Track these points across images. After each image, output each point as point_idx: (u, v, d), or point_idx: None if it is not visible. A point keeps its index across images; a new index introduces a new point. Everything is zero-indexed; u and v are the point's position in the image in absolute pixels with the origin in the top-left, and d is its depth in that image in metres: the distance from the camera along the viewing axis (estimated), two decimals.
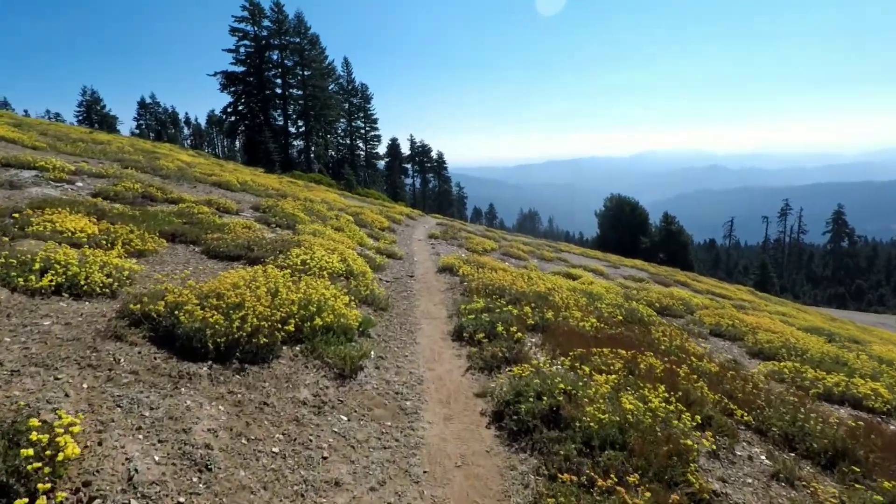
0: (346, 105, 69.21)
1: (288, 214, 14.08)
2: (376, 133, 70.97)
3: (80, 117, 78.32)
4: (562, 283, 11.96)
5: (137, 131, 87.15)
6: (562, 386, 4.62)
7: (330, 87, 65.29)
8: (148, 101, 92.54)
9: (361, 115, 69.83)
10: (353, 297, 7.39)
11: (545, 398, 4.49)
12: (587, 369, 5.41)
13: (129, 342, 4.55)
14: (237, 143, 78.29)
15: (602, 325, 8.08)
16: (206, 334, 4.56)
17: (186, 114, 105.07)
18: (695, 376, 5.82)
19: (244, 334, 4.69)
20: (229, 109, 60.20)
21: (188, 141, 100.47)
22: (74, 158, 17.04)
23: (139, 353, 4.41)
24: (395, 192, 66.56)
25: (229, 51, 58.58)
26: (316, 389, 4.71)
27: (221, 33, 59.78)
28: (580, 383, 4.81)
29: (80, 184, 12.49)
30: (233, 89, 59.59)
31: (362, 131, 70.54)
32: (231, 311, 4.88)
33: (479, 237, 25.86)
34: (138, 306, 4.88)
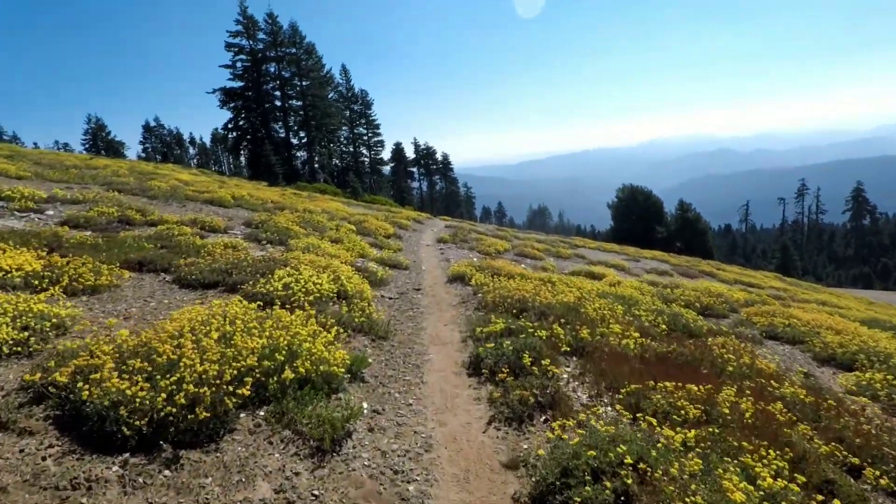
0: (347, 112, 68.21)
1: (281, 229, 12.80)
2: (379, 138, 69.93)
3: (87, 145, 78.45)
4: (588, 287, 10.49)
5: (143, 155, 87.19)
6: (628, 459, 3.20)
7: (329, 96, 64.36)
8: (152, 124, 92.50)
9: (363, 121, 68.79)
10: (343, 328, 6.04)
11: (607, 480, 3.09)
12: (652, 420, 3.98)
13: (16, 431, 3.24)
14: (242, 159, 77.82)
15: (647, 341, 6.62)
16: (121, 414, 3.23)
17: (191, 134, 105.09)
18: (792, 416, 4.36)
19: (174, 410, 3.34)
20: (230, 125, 59.52)
21: (194, 161, 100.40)
22: (57, 185, 15.98)
23: (22, 451, 3.08)
24: (401, 196, 65.41)
25: (226, 66, 57.93)
26: (281, 480, 3.34)
27: (220, 48, 59.17)
28: (652, 451, 3.37)
29: (50, 212, 11.34)
30: (232, 105, 58.90)
31: (365, 138, 69.48)
32: (161, 376, 3.54)
33: (491, 238, 24.45)
34: (37, 375, 3.57)
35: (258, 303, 5.54)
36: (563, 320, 6.92)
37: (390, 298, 9.10)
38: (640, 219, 56.45)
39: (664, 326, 7.93)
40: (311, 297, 6.59)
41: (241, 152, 63.68)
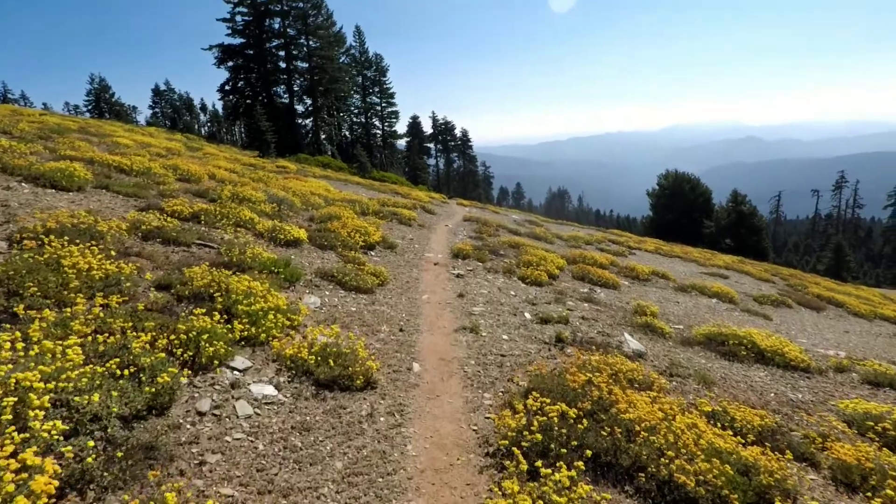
0: (360, 79, 59.16)
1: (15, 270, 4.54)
2: (394, 109, 60.82)
3: (90, 107, 70.99)
4: None
5: (152, 120, 79.63)
6: None
7: (341, 60, 55.32)
8: (162, 87, 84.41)
9: (376, 89, 59.63)
10: None
11: None
12: None
13: None
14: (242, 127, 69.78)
15: None
16: None
17: (202, 100, 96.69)
18: None
19: None
20: (227, 87, 51.02)
21: (205, 128, 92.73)
22: None
23: None
24: (415, 174, 56.78)
25: (224, 20, 49.13)
26: None
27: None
28: None
29: None
30: (231, 64, 50.38)
31: (378, 108, 60.44)
32: None
33: (528, 241, 16.13)
34: None
35: None
36: None
37: None
38: (685, 210, 47.25)
39: None
40: None
41: (240, 118, 55.32)
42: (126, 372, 3.27)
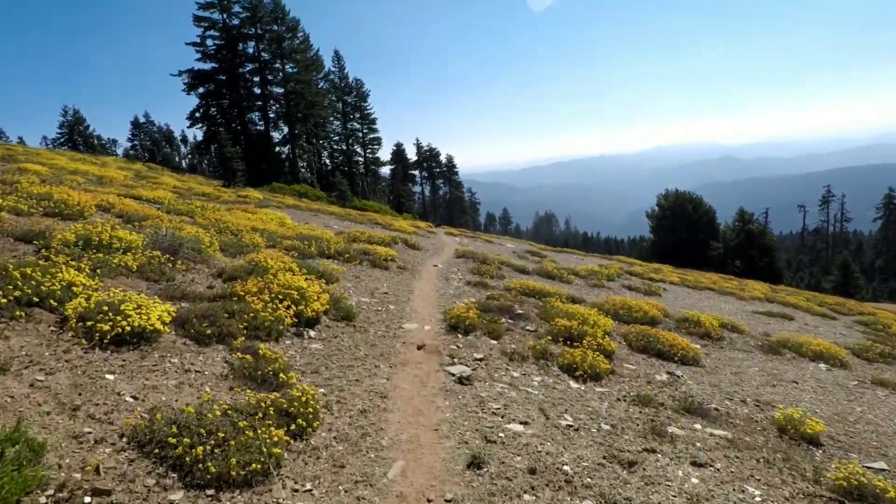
0: (340, 105, 55.48)
1: None
2: (376, 135, 57.00)
3: (62, 139, 66.04)
4: None
5: (132, 152, 75.03)
6: None
7: (319, 85, 51.67)
8: (142, 120, 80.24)
9: (357, 115, 55.91)
10: None
11: None
12: None
13: None
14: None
15: None
16: None
17: (183, 131, 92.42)
18: None
19: None
20: (197, 115, 46.79)
21: (185, 160, 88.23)
22: None
23: None
24: (399, 201, 52.59)
25: (194, 44, 45.33)
26: None
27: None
28: None
29: None
30: (201, 90, 46.40)
31: (360, 134, 56.59)
32: None
33: (544, 284, 11.74)
34: None
35: None
36: None
37: None
38: (690, 232, 43.49)
39: None
40: None
41: (210, 147, 50.97)
42: None
